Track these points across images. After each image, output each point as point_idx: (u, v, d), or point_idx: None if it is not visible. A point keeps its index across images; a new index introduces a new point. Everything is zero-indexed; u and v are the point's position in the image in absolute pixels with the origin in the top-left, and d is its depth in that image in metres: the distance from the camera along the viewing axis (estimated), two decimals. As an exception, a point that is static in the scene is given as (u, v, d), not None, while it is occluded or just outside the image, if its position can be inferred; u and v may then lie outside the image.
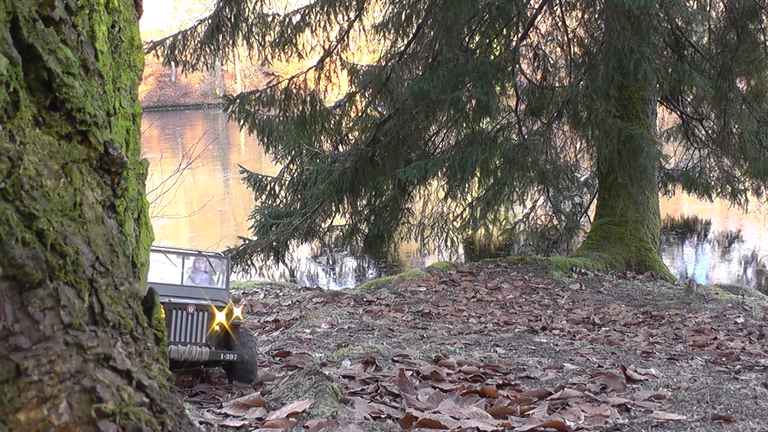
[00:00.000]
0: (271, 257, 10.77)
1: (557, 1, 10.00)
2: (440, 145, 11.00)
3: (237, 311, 4.19)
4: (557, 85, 10.50)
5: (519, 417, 3.22)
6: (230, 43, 9.88)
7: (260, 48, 10.05)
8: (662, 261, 10.20)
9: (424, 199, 11.91)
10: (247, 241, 10.53)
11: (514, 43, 9.38)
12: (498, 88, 9.30)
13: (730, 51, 9.36)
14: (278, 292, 8.34)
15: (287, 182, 11.37)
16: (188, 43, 9.87)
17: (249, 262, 10.46)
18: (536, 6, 9.99)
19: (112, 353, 1.21)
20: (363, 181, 10.06)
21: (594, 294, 8.11)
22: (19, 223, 1.13)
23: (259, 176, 11.67)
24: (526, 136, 9.79)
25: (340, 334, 5.26)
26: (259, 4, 9.91)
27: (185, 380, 4.20)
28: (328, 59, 10.34)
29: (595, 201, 11.28)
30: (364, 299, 7.46)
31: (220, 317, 4.14)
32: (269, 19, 9.98)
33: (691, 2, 10.12)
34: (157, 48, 9.92)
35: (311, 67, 10.50)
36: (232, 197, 18.90)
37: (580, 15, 10.29)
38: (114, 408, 1.16)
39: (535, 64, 10.63)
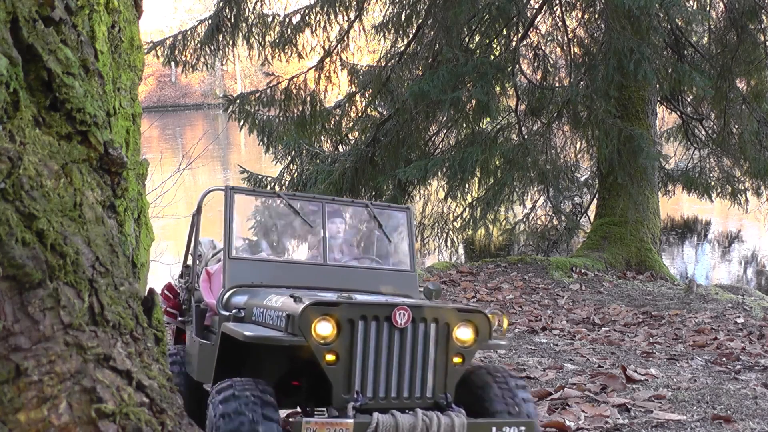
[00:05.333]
0: (271, 257, 10.75)
1: (557, 1, 10.00)
2: (440, 145, 10.99)
3: (496, 320, 2.29)
4: (557, 85, 10.49)
5: (519, 417, 3.21)
6: (230, 43, 9.87)
7: (260, 48, 10.05)
8: (662, 261, 10.19)
9: (424, 199, 11.90)
10: (247, 241, 10.52)
11: (514, 43, 9.37)
12: (498, 88, 9.29)
13: (730, 51, 9.35)
14: (278, 292, 8.34)
15: (287, 182, 11.35)
16: (188, 43, 9.87)
17: (249, 262, 10.44)
18: (536, 6, 9.98)
19: (112, 353, 1.21)
20: (363, 181, 10.06)
21: (594, 294, 8.11)
22: (19, 223, 1.13)
23: (259, 176, 11.64)
24: (526, 136, 9.79)
25: (340, 334, 5.25)
26: (259, 4, 9.90)
27: None
28: (328, 59, 10.33)
29: (595, 201, 11.27)
30: (364, 299, 7.45)
31: (464, 334, 2.20)
32: (269, 19, 9.98)
33: (691, 2, 10.11)
34: (157, 48, 9.92)
35: (311, 67, 10.49)
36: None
37: (580, 15, 10.28)
38: (114, 408, 1.16)
39: (535, 64, 10.62)
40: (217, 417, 2.03)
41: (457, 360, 2.22)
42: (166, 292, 3.64)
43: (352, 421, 1.97)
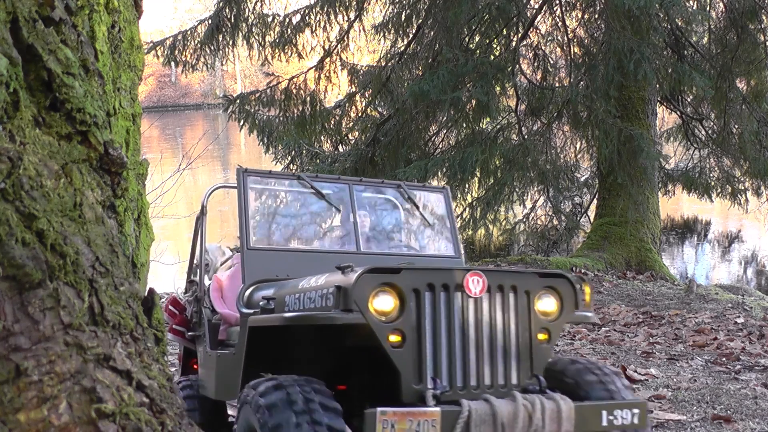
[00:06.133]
0: (271, 257, 10.74)
1: (557, 1, 10.00)
2: (440, 145, 10.99)
3: (578, 288, 1.97)
4: (557, 85, 10.49)
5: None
6: (230, 43, 9.88)
7: (260, 48, 10.05)
8: (662, 261, 10.20)
9: (424, 199, 11.87)
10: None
11: (514, 43, 9.37)
12: (498, 88, 9.29)
13: (730, 51, 9.35)
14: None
15: (287, 182, 11.34)
16: (188, 43, 9.87)
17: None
18: (536, 6, 9.98)
19: (112, 353, 1.21)
20: (363, 182, 10.04)
21: (594, 294, 8.10)
22: (19, 223, 1.13)
23: (259, 176, 11.64)
24: (526, 136, 9.79)
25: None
26: (259, 4, 9.91)
27: None
28: (328, 59, 10.33)
29: (595, 201, 11.27)
30: (364, 299, 7.44)
31: (547, 304, 1.92)
32: (269, 19, 9.98)
33: (691, 2, 10.11)
34: (157, 48, 9.92)
35: (311, 67, 10.50)
36: (232, 197, 18.87)
37: (580, 15, 10.28)
38: (114, 408, 1.16)
39: (535, 64, 10.62)
40: (265, 430, 1.66)
41: (541, 336, 1.86)
42: (170, 307, 3.24)
43: (438, 409, 1.59)
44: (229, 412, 3.15)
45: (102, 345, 1.21)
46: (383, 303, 1.72)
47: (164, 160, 11.24)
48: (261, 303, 2.13)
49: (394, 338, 1.73)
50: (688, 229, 15.41)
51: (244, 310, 2.27)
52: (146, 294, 1.67)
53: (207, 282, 3.05)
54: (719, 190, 11.38)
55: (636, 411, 1.78)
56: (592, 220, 11.11)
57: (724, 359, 4.71)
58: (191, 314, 3.09)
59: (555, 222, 11.88)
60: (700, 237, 14.99)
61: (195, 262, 3.16)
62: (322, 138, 10.98)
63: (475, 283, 1.77)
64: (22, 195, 1.15)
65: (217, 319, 2.89)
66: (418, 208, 2.60)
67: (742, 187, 11.35)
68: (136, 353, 1.29)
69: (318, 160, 10.96)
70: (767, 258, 13.15)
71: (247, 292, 2.37)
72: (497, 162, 9.59)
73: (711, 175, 11.46)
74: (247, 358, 2.14)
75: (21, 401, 1.09)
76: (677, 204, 16.15)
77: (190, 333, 3.11)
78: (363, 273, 1.73)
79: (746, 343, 5.40)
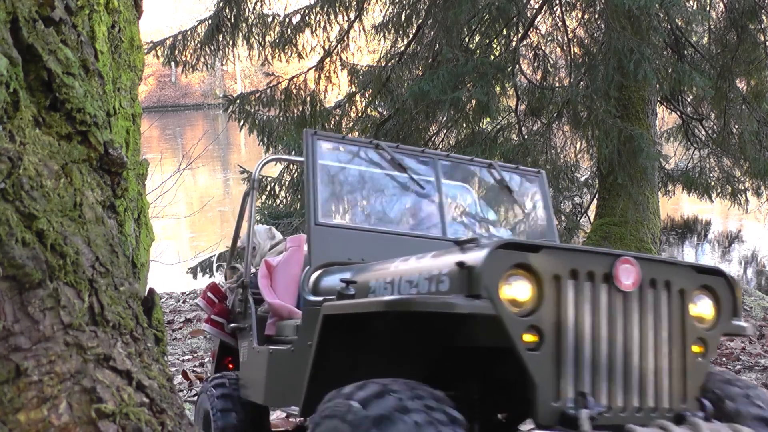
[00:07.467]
0: (271, 257, 10.73)
1: (557, 1, 10.00)
2: (440, 145, 10.99)
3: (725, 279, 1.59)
4: (557, 85, 10.50)
5: (519, 417, 3.20)
6: (230, 43, 9.88)
7: (260, 48, 10.06)
8: (662, 261, 10.20)
9: (424, 199, 11.87)
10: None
11: (514, 43, 9.37)
12: (498, 88, 9.29)
13: (730, 51, 9.36)
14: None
15: (287, 183, 11.35)
16: (188, 43, 9.88)
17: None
18: (536, 6, 9.99)
19: (112, 353, 1.21)
20: (363, 181, 10.04)
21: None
22: (19, 223, 1.13)
23: (260, 175, 11.64)
24: (526, 137, 9.79)
25: (340, 334, 5.24)
26: (259, 4, 9.91)
27: None
28: (328, 59, 10.34)
29: (595, 201, 11.28)
30: (364, 299, 7.43)
31: (704, 308, 1.55)
32: (269, 19, 9.99)
33: (691, 2, 10.12)
34: (157, 48, 9.92)
35: (311, 67, 10.50)
36: (232, 197, 18.89)
37: (580, 15, 10.28)
38: (114, 408, 1.16)
39: (535, 64, 10.62)
40: None
41: (696, 349, 1.49)
42: (209, 294, 2.91)
43: None
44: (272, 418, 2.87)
45: (102, 345, 1.21)
46: (518, 290, 1.34)
47: (164, 160, 11.25)
48: (339, 288, 1.75)
49: (529, 337, 1.35)
50: (688, 229, 15.41)
51: (311, 298, 1.92)
52: (146, 294, 1.67)
53: (253, 269, 2.73)
54: (719, 190, 11.38)
55: None
56: (592, 220, 11.11)
57: (724, 359, 4.71)
58: (233, 303, 2.77)
59: (555, 222, 11.87)
60: (700, 237, 14.99)
61: (239, 244, 2.85)
62: (323, 138, 10.97)
63: (626, 274, 1.39)
64: (22, 195, 1.15)
65: (263, 310, 2.59)
66: (511, 192, 2.22)
67: (742, 187, 11.35)
68: (136, 353, 1.29)
69: (318, 160, 10.94)
70: (767, 258, 13.14)
71: (314, 276, 2.00)
72: (497, 162, 9.59)
73: (711, 175, 11.46)
74: (317, 356, 1.75)
75: (21, 401, 1.09)
76: (677, 204, 16.15)
77: (231, 324, 2.78)
78: (495, 248, 1.37)
79: (746, 343, 5.40)
